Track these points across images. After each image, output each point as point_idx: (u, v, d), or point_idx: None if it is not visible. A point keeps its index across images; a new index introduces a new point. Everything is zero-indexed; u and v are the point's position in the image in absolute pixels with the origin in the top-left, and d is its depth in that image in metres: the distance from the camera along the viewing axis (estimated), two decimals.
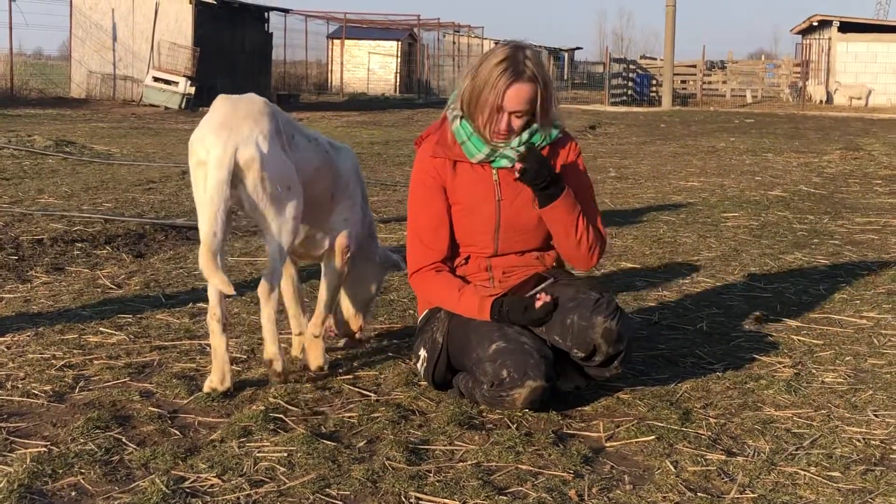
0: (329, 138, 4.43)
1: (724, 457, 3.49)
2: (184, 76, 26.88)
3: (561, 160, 4.10)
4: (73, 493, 3.08)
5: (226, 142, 3.77)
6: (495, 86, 3.84)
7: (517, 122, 3.91)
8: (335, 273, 4.33)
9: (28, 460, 3.27)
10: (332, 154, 4.30)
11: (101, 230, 7.27)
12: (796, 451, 3.56)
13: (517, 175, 3.90)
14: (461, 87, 3.99)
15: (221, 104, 3.93)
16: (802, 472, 3.36)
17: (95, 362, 4.37)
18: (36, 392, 3.97)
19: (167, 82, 26.72)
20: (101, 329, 4.89)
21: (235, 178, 3.79)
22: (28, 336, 4.73)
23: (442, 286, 4.04)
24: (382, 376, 4.28)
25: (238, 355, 4.52)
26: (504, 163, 4.00)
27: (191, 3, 29.34)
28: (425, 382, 4.14)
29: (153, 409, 3.81)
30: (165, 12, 29.36)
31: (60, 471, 3.22)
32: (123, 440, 3.49)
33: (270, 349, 4.05)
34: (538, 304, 3.81)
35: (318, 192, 4.17)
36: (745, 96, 42.94)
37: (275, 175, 3.86)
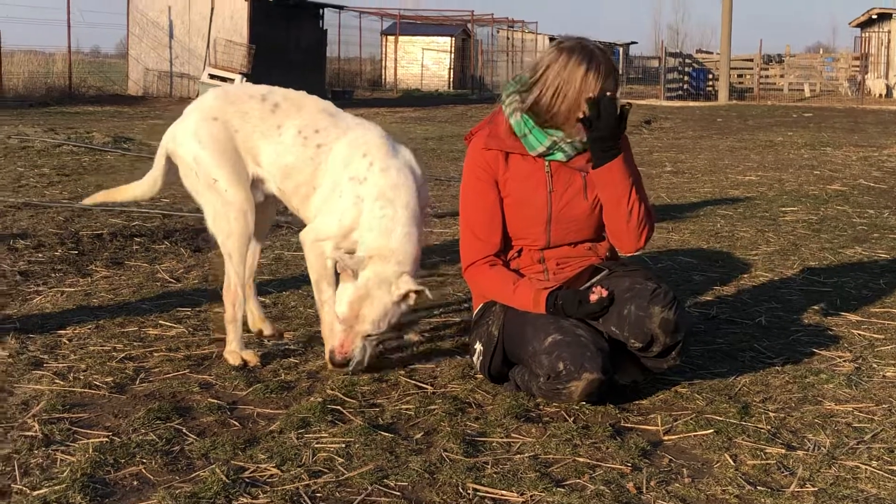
0: None
1: (783, 451, 3.45)
2: (239, 73, 27.08)
3: None
4: (135, 483, 3.12)
5: None
6: (583, 83, 3.83)
7: None
8: None
9: (91, 450, 3.31)
10: None
11: (160, 225, 7.35)
12: (857, 445, 3.52)
13: (580, 117, 3.87)
14: (543, 89, 3.92)
15: None
16: (864, 466, 3.32)
17: (155, 354, 4.43)
18: (97, 383, 4.02)
19: (223, 79, 26.90)
20: (160, 322, 4.95)
21: None
22: (89, 329, 4.80)
23: (496, 280, 4.04)
24: (438, 369, 4.29)
25: (294, 348, 4.56)
26: (559, 156, 3.99)
27: (246, 0, 29.54)
28: (481, 375, 4.14)
29: (213, 400, 3.85)
30: (221, 10, 29.61)
31: (122, 460, 3.26)
32: (184, 431, 3.53)
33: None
34: (593, 297, 3.79)
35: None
36: (802, 90, 42.52)
37: None
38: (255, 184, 4.36)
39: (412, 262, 4.12)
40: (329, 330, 4.26)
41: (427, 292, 4.09)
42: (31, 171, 10.58)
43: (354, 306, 4.05)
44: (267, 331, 4.64)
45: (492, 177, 4.05)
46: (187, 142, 4.34)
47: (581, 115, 3.85)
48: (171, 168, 4.49)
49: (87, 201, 4.85)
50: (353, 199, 4.12)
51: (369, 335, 4.09)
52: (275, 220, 4.67)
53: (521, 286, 3.97)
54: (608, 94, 3.84)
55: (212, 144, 4.27)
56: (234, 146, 4.28)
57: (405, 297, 4.09)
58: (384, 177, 4.12)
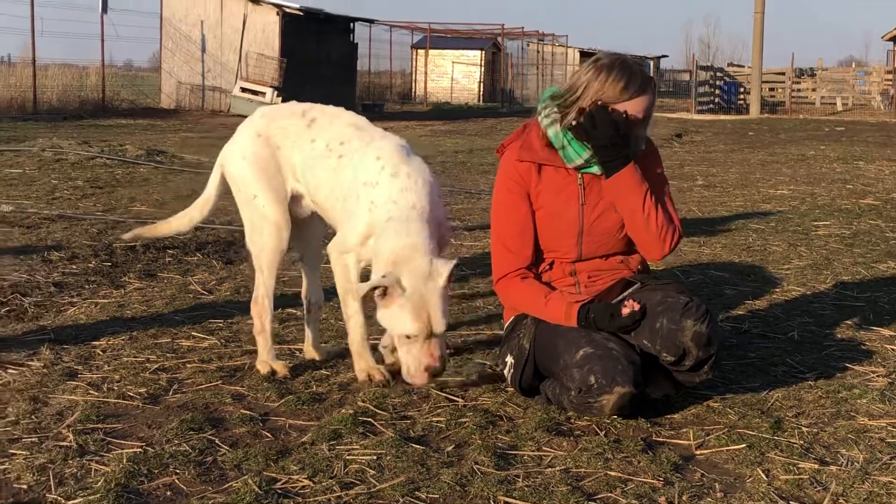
0: None
1: (816, 466, 3.44)
2: (270, 87, 27.24)
3: (641, 157, 4.08)
4: (168, 493, 3.14)
5: None
6: (622, 96, 3.87)
7: (634, 131, 3.93)
8: None
9: (124, 460, 3.34)
10: None
11: (192, 237, 7.39)
12: (891, 460, 3.50)
13: (572, 124, 3.90)
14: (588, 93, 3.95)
15: None
16: None
17: (188, 366, 4.45)
18: (131, 394, 4.05)
19: (254, 92, 27.10)
20: (193, 333, 4.98)
21: None
22: (122, 340, 4.83)
23: (528, 293, 4.05)
24: (469, 382, 4.28)
25: (325, 359, 4.57)
26: (595, 169, 3.99)
27: (278, 14, 29.72)
28: (512, 388, 4.14)
29: (245, 411, 3.87)
30: (253, 24, 29.77)
31: (156, 471, 3.28)
32: (216, 441, 3.55)
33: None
34: (625, 311, 3.79)
35: None
36: (835, 104, 42.26)
37: None
38: (296, 199, 4.41)
39: (433, 248, 4.07)
40: (357, 344, 4.28)
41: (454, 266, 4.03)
42: (65, 183, 10.67)
43: (421, 314, 3.96)
44: (318, 357, 4.62)
45: (524, 189, 4.06)
46: (233, 158, 4.44)
47: (573, 123, 3.88)
48: (226, 188, 4.53)
49: (146, 233, 4.86)
50: (368, 205, 4.13)
51: (445, 330, 4.06)
52: (322, 239, 4.68)
53: (552, 299, 3.97)
54: (600, 102, 3.86)
55: (254, 160, 4.36)
56: (276, 163, 4.34)
57: (449, 278, 4.02)
58: (394, 181, 4.12)
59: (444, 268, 3.98)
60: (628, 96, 3.87)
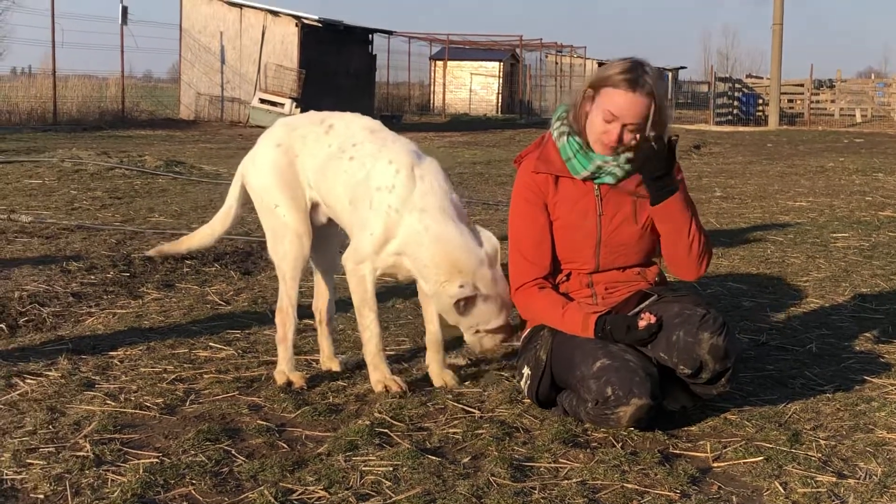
0: None
1: (834, 479, 3.42)
2: (289, 98, 27.32)
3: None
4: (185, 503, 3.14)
5: None
6: (615, 93, 3.85)
7: (628, 136, 3.89)
8: None
9: (141, 470, 3.34)
10: None
11: (210, 248, 7.40)
12: None
13: (631, 161, 3.91)
14: (576, 101, 3.98)
15: None
16: None
17: (205, 376, 4.46)
18: (148, 404, 4.06)
19: (273, 104, 27.17)
20: (210, 344, 4.99)
21: None
22: (140, 350, 4.85)
23: (545, 303, 4.04)
24: (486, 393, 4.28)
25: (342, 370, 4.58)
26: (608, 179, 3.99)
27: (297, 25, 29.82)
28: (529, 400, 4.13)
29: (261, 422, 3.87)
30: (272, 35, 29.89)
31: (172, 481, 3.29)
32: (233, 452, 3.55)
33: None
34: (642, 323, 3.78)
35: None
36: (854, 115, 42.10)
37: None
38: (314, 207, 4.42)
39: (474, 239, 4.20)
40: (373, 355, 4.28)
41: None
42: (85, 193, 10.73)
43: (502, 308, 4.21)
44: (335, 368, 4.63)
45: (541, 200, 4.06)
46: (253, 168, 4.46)
47: (629, 159, 3.89)
48: (246, 199, 4.55)
49: (169, 249, 4.89)
50: (385, 210, 4.13)
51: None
52: (338, 249, 4.69)
53: (569, 310, 3.97)
54: (652, 134, 3.84)
55: (274, 170, 4.37)
56: (295, 171, 4.36)
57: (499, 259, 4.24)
58: (413, 185, 4.13)
59: (495, 253, 4.19)
60: (623, 91, 3.84)
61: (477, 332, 4.24)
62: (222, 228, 4.65)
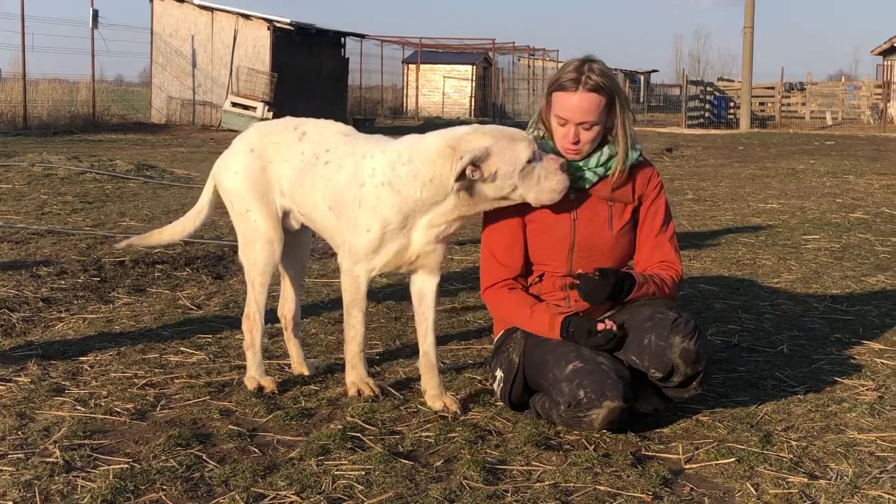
0: None
1: (806, 480, 3.43)
2: (262, 101, 27.22)
3: (639, 188, 4.08)
4: None
5: None
6: (560, 96, 3.87)
7: (585, 136, 3.90)
8: None
9: (111, 476, 3.32)
10: None
11: (182, 252, 7.37)
12: (880, 474, 3.49)
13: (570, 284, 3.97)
14: (541, 107, 4.02)
15: None
16: (886, 496, 3.30)
17: (176, 381, 4.44)
18: (118, 410, 4.03)
19: (245, 107, 27.08)
20: (181, 349, 4.96)
21: None
22: (110, 355, 4.81)
23: (514, 303, 4.04)
24: (458, 396, 4.27)
25: (314, 374, 4.56)
26: (581, 183, 3.99)
27: (269, 29, 29.75)
28: (501, 403, 4.13)
29: (233, 427, 3.85)
30: (244, 38, 29.80)
31: (143, 487, 3.27)
32: (204, 457, 3.53)
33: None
34: (601, 326, 3.79)
35: None
36: (824, 118, 42.34)
37: None
38: (285, 215, 4.39)
39: None
40: (353, 355, 4.24)
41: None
42: (55, 198, 10.65)
43: (520, 137, 3.94)
44: (307, 373, 4.60)
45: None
46: (226, 171, 4.42)
47: (570, 286, 3.95)
48: (217, 200, 4.53)
49: (138, 242, 4.85)
50: (373, 200, 4.04)
51: None
52: (309, 254, 4.65)
53: (537, 310, 3.97)
54: (589, 273, 3.83)
55: (246, 175, 4.34)
56: (267, 178, 4.32)
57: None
58: (389, 151, 4.09)
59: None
60: (568, 92, 3.86)
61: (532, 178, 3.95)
62: (193, 226, 4.63)
